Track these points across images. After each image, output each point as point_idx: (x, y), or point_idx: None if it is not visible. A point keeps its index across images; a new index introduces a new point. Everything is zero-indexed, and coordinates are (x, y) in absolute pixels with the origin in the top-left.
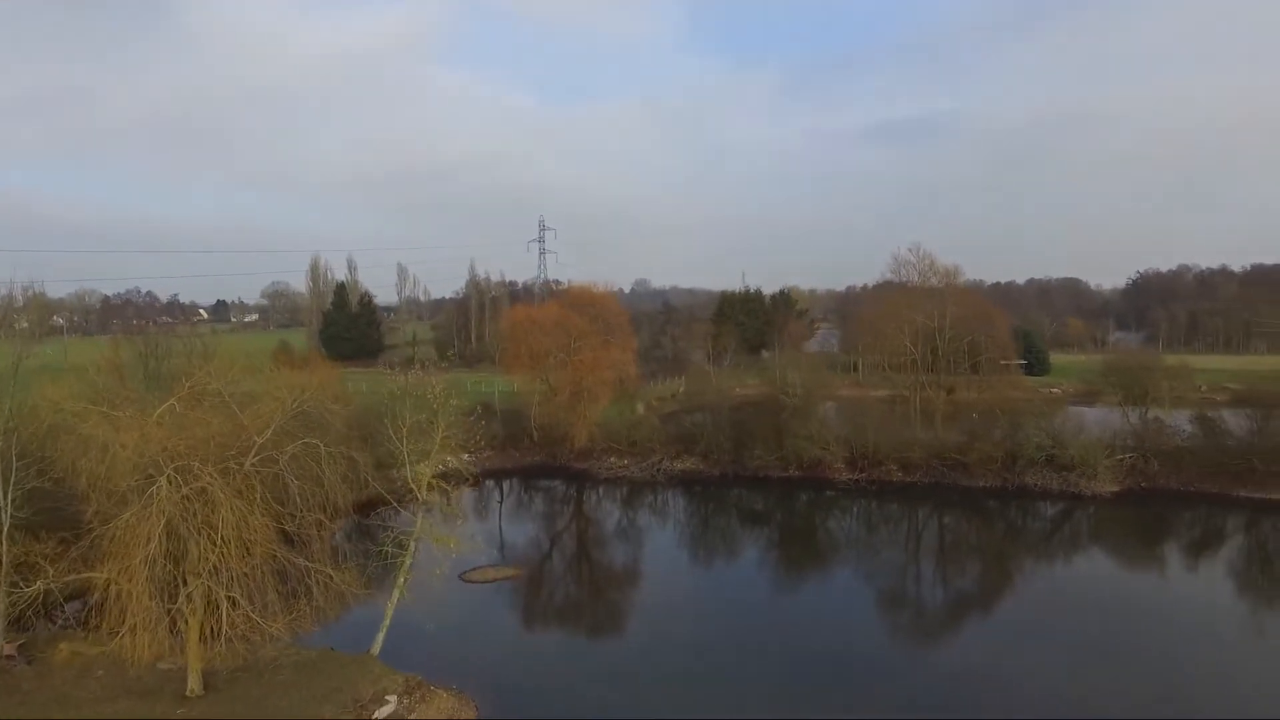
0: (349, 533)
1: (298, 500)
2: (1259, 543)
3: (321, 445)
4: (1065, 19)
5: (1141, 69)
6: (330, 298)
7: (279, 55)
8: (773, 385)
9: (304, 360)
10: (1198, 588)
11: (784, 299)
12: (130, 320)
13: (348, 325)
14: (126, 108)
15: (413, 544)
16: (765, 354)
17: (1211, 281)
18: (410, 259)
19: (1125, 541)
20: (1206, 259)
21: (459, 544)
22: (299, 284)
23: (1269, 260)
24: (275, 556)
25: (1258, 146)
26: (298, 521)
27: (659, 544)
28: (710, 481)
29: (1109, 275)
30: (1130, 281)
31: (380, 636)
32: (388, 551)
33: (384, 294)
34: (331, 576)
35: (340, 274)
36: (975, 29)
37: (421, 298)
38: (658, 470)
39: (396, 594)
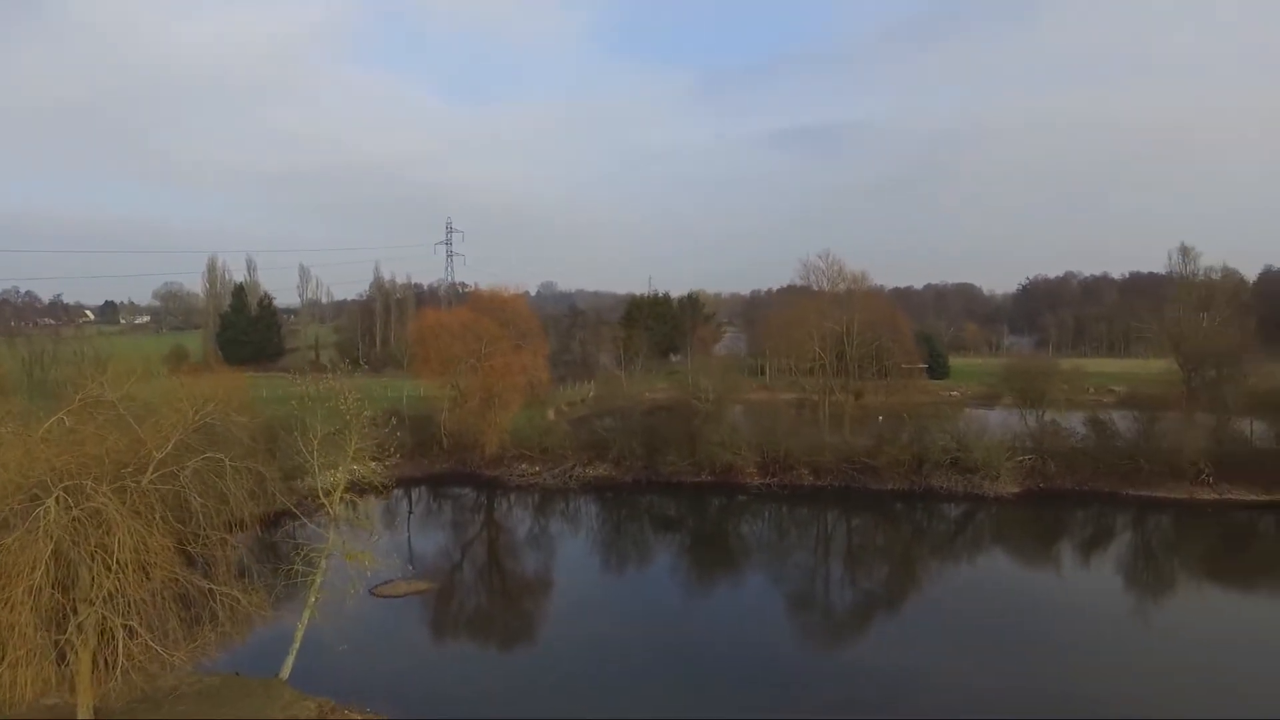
0: (255, 550)
1: (201, 518)
2: (1144, 539)
3: (226, 459)
4: (962, 37)
5: (1030, 86)
6: (228, 299)
7: (173, 45)
8: (684, 390)
9: (203, 365)
10: (1091, 583)
11: (692, 303)
12: (8, 322)
13: (246, 328)
14: (5, 96)
15: (324, 561)
16: (674, 358)
17: (1095, 288)
18: (313, 260)
19: (1025, 541)
20: (1090, 266)
21: (373, 560)
22: (194, 285)
23: (1144, 269)
24: (177, 579)
25: (1134, 160)
26: (201, 541)
27: (571, 551)
28: (623, 488)
29: (1001, 281)
30: (1021, 287)
31: (290, 659)
32: (297, 570)
33: (284, 296)
34: (239, 599)
35: (239, 275)
36: (880, 44)
37: (324, 300)
38: (569, 477)
39: (307, 614)
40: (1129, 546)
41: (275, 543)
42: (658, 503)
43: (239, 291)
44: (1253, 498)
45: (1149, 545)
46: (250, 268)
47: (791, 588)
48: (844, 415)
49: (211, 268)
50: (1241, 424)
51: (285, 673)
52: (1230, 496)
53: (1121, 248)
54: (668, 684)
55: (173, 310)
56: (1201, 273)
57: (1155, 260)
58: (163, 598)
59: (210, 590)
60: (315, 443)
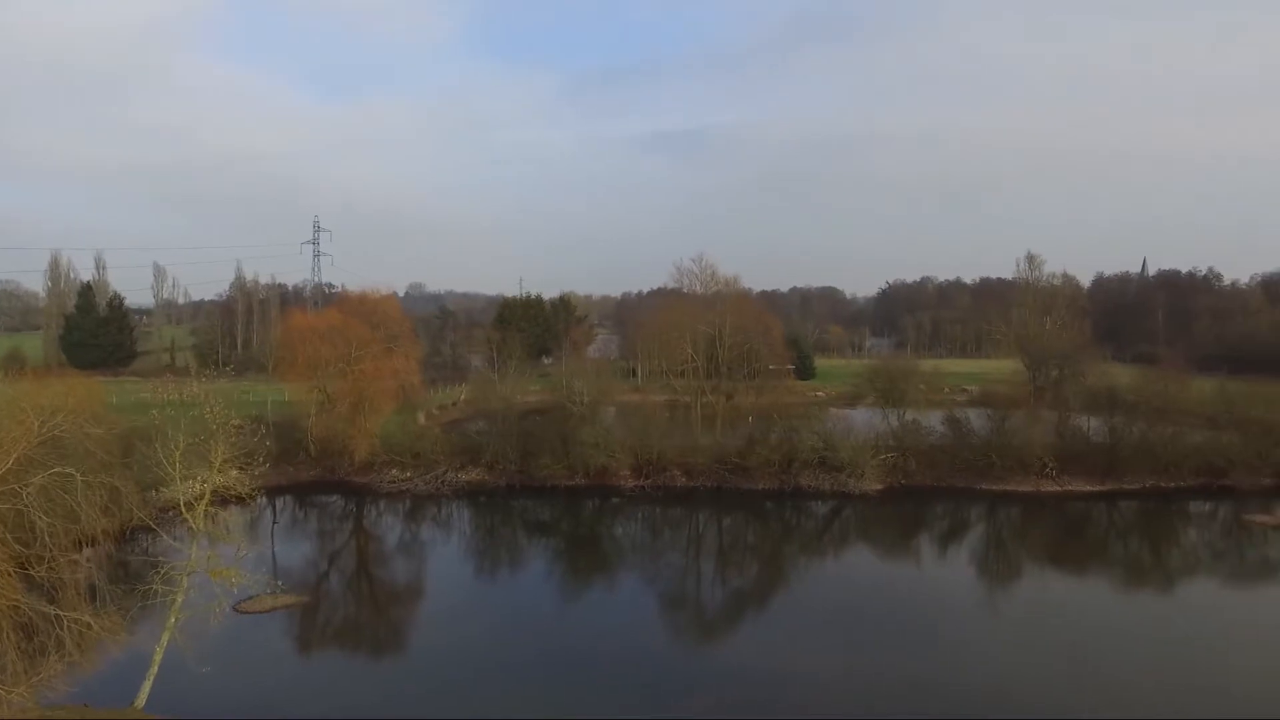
0: (109, 569)
1: (48, 539)
2: (995, 530)
3: (77, 474)
4: (822, 52)
5: (887, 99)
6: (74, 299)
7: (9, 32)
8: (557, 392)
9: (44, 370)
10: (948, 574)
11: (564, 305)
12: None
13: (94, 330)
14: None
15: (185, 579)
16: (546, 360)
17: (949, 292)
18: (169, 259)
19: (887, 535)
20: (944, 272)
21: (239, 576)
22: (34, 284)
23: (993, 274)
24: (17, 607)
25: (984, 174)
26: (47, 563)
27: (444, 558)
28: (496, 492)
29: (863, 285)
30: (881, 291)
31: (146, 685)
32: (156, 589)
33: (137, 296)
34: (89, 624)
35: (86, 273)
36: (746, 53)
37: (181, 300)
38: (442, 482)
39: (166, 636)
40: (982, 538)
41: (131, 561)
42: (532, 507)
43: (86, 291)
44: (1089, 488)
45: (1000, 536)
46: (99, 266)
47: (665, 587)
48: (716, 416)
49: (54, 265)
50: (1080, 420)
51: (141, 700)
52: (1071, 488)
53: (973, 254)
54: (540, 689)
55: (7, 310)
56: (1045, 279)
57: (1003, 266)
58: (1, 629)
59: (56, 616)
60: (177, 454)
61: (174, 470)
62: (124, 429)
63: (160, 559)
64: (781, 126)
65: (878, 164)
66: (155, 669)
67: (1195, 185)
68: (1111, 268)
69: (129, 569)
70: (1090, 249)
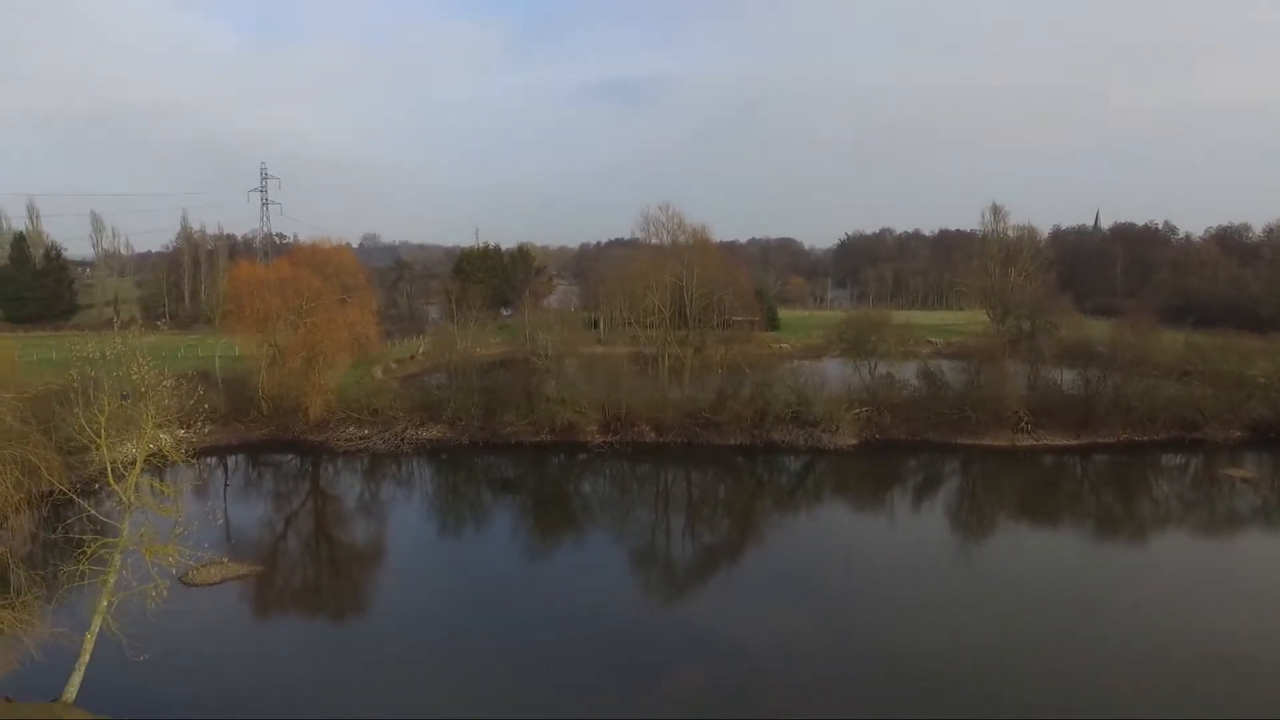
0: (30, 550)
1: None
2: (970, 484)
3: None
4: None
5: (838, 52)
6: (7, 250)
7: None
8: (519, 345)
9: None
10: (921, 528)
11: (523, 255)
12: None
13: (30, 283)
14: None
15: (117, 557)
16: (506, 312)
17: (909, 244)
18: (109, 208)
19: (862, 490)
20: (902, 224)
21: (178, 553)
22: None
23: (952, 226)
24: None
25: (938, 129)
26: None
27: (405, 518)
28: (459, 450)
29: (821, 237)
30: (840, 242)
31: (76, 677)
32: (83, 570)
33: (76, 247)
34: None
35: (19, 222)
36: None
37: (124, 251)
38: (402, 440)
39: (97, 621)
40: (957, 493)
41: (54, 539)
42: (496, 464)
43: (19, 241)
44: (1063, 442)
45: (974, 489)
46: (33, 215)
47: (633, 545)
48: (684, 370)
49: None
50: (1053, 373)
51: (71, 693)
52: (1046, 442)
53: (929, 206)
54: (508, 656)
55: None
56: (1011, 231)
57: (960, 218)
58: None
59: None
60: (103, 419)
61: (100, 439)
62: (40, 390)
63: (87, 536)
64: (725, 77)
65: (826, 116)
66: (86, 658)
67: (1145, 139)
68: (1065, 220)
69: (51, 548)
70: (1041, 200)
